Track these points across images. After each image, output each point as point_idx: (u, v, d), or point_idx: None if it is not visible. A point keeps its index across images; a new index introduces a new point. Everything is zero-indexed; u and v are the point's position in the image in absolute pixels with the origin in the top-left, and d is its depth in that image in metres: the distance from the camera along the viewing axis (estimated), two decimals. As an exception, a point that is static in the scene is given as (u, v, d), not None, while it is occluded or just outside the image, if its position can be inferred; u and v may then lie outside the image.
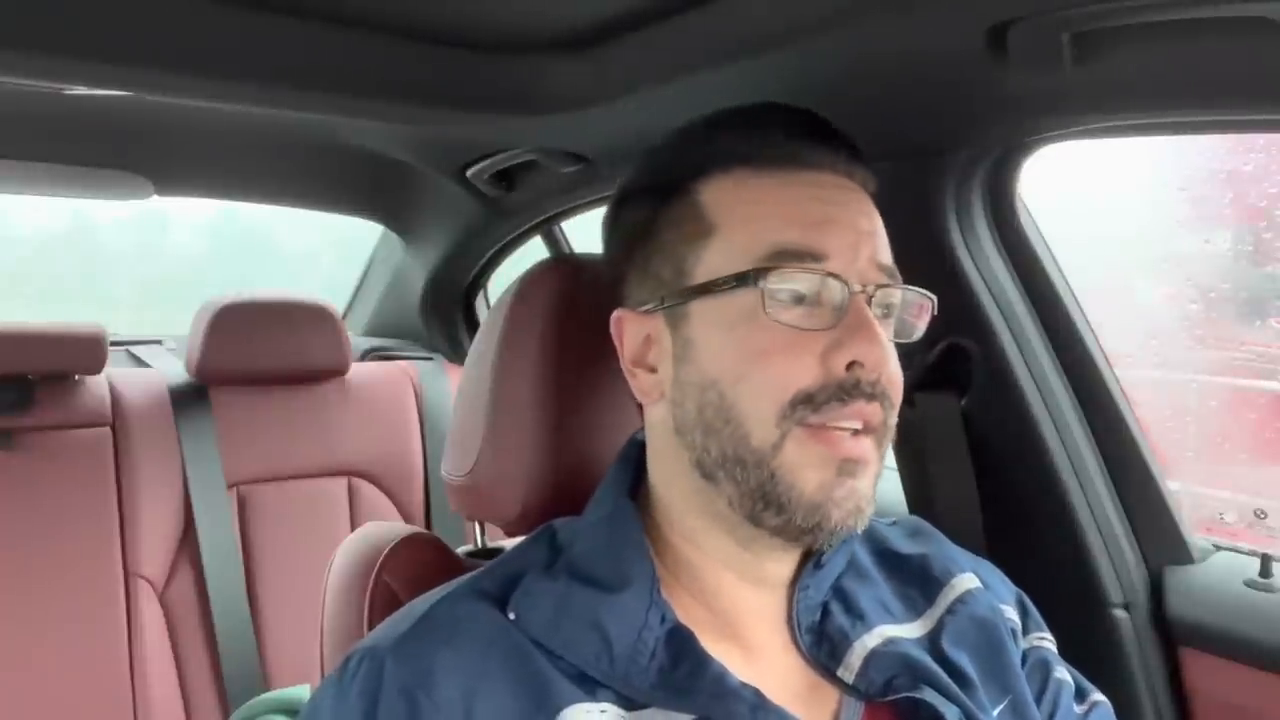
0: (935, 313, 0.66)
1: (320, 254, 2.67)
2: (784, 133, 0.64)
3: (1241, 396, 1.26)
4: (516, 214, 1.65)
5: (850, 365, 0.59)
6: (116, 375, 1.66)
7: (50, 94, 1.11)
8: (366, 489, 1.77)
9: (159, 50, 0.87)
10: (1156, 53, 0.74)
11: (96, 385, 1.62)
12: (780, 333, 0.59)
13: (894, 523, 0.77)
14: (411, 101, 1.03)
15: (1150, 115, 0.85)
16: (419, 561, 0.79)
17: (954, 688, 0.63)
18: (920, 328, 0.66)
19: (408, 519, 1.78)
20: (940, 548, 0.75)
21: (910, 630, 0.68)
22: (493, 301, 0.87)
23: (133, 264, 2.58)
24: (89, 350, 1.56)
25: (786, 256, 0.60)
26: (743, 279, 0.60)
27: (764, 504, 0.59)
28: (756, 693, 0.57)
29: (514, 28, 0.97)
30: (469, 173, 1.50)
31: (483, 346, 0.78)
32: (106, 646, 1.51)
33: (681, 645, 0.59)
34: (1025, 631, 0.73)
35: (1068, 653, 0.75)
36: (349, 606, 0.78)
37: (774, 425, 0.58)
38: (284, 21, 0.91)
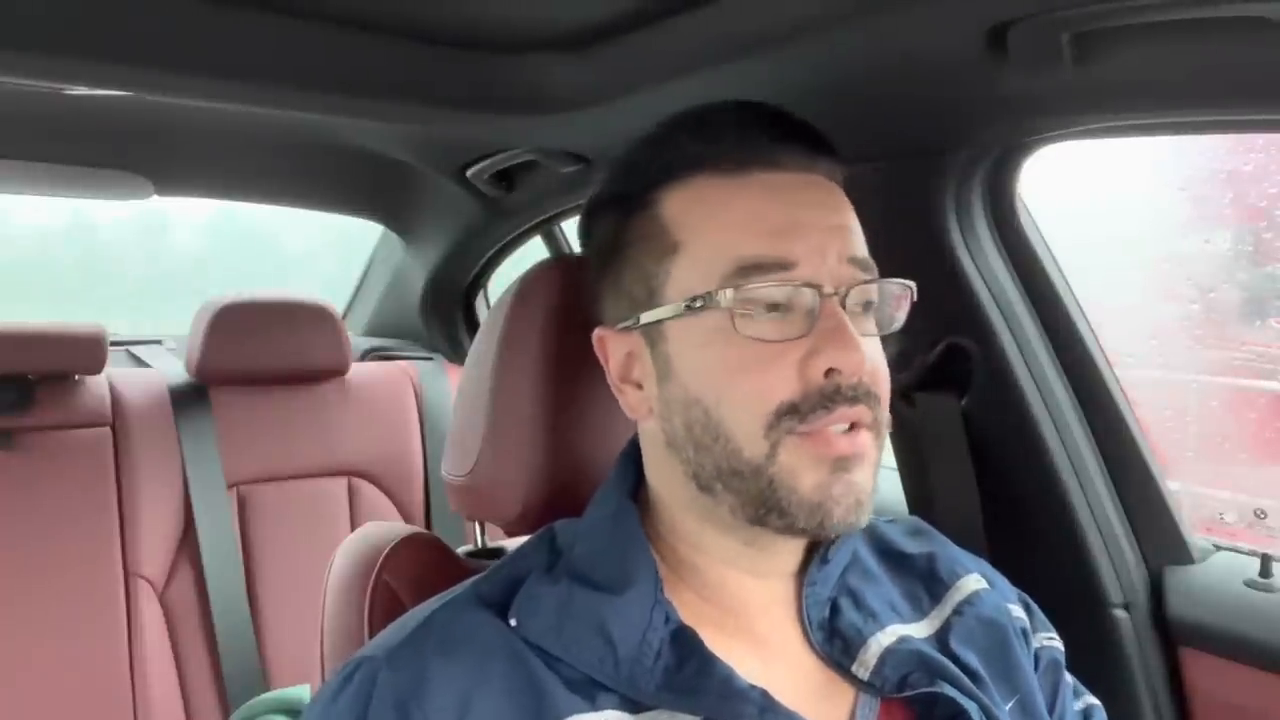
0: (915, 299, 0.65)
1: (320, 254, 2.67)
2: (738, 133, 0.63)
3: (1241, 396, 1.26)
4: (516, 214, 1.65)
5: (829, 372, 0.58)
6: (116, 375, 1.66)
7: (50, 94, 1.11)
8: (366, 489, 1.77)
9: (159, 50, 0.87)
10: (1156, 53, 0.74)
11: (96, 385, 1.62)
12: (754, 347, 0.58)
13: (892, 521, 0.77)
14: (411, 101, 1.03)
15: (1150, 115, 0.85)
16: (419, 561, 0.79)
17: (969, 684, 0.63)
18: (900, 318, 0.65)
19: (408, 519, 1.78)
20: (944, 548, 0.74)
21: (918, 630, 0.68)
22: (493, 301, 0.87)
23: (133, 264, 2.58)
24: (89, 350, 1.56)
25: (752, 270, 0.59)
26: (710, 297, 0.59)
27: (766, 509, 0.59)
28: (764, 694, 0.57)
29: (514, 28, 0.97)
30: (469, 173, 1.50)
31: (483, 346, 0.78)
32: (106, 646, 1.51)
33: (687, 645, 0.59)
34: (1034, 631, 0.73)
35: (1068, 653, 0.75)
36: (349, 606, 0.78)
37: (762, 438, 0.58)
38: (284, 21, 0.91)
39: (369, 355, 2.05)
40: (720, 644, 0.60)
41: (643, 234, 0.64)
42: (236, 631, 1.57)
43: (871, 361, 0.60)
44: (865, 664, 0.63)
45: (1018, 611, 0.73)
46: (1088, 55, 0.75)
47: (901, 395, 1.10)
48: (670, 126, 0.66)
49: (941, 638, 0.67)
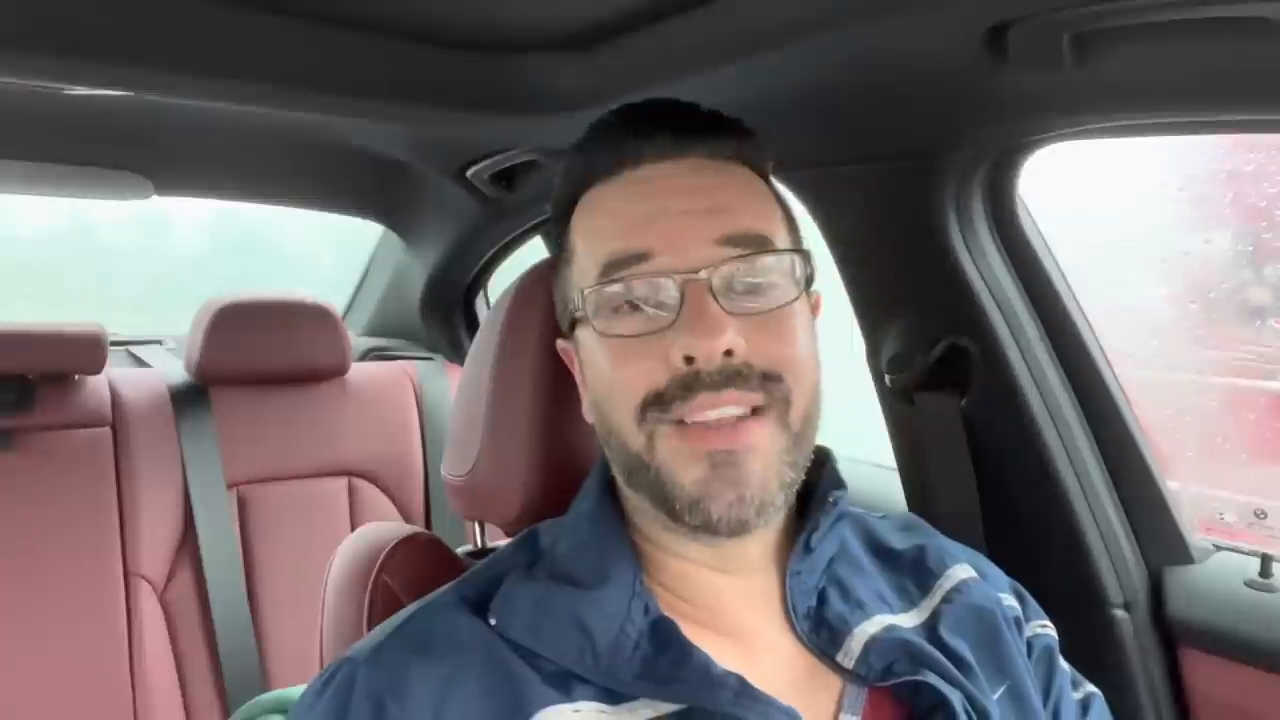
0: (811, 268, 0.64)
1: (320, 254, 2.67)
2: (608, 137, 0.65)
3: (1241, 396, 1.26)
4: (516, 214, 1.65)
5: (689, 359, 0.58)
6: (116, 375, 1.66)
7: (50, 94, 1.11)
8: (366, 489, 1.77)
9: (159, 50, 0.87)
10: (1156, 53, 0.74)
11: (96, 385, 1.62)
12: (623, 343, 0.60)
13: (884, 517, 0.77)
14: (411, 101, 1.03)
15: (1150, 115, 0.85)
16: (419, 561, 0.79)
17: (955, 672, 0.63)
18: (794, 289, 0.62)
19: (408, 519, 1.78)
20: (933, 539, 0.75)
21: (907, 620, 0.68)
22: (493, 301, 0.87)
23: (133, 264, 2.58)
24: (89, 350, 1.56)
25: (614, 266, 0.60)
26: (580, 301, 0.62)
27: (662, 503, 0.60)
28: (740, 679, 0.57)
29: (513, 28, 0.97)
30: (469, 173, 1.50)
31: (482, 346, 0.78)
32: (106, 646, 1.51)
33: (665, 635, 0.59)
34: (1026, 619, 0.73)
35: (1068, 652, 0.75)
36: (349, 606, 0.78)
37: (637, 429, 0.60)
38: (284, 21, 0.91)
39: (369, 355, 2.05)
40: (701, 637, 0.60)
41: (563, 248, 0.68)
42: (236, 631, 1.57)
43: (757, 341, 0.59)
44: (850, 653, 0.63)
45: (1009, 600, 0.73)
46: (1088, 55, 0.75)
47: (901, 395, 1.10)
48: (586, 137, 0.68)
49: (930, 626, 0.67)
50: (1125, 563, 1.01)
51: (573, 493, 0.71)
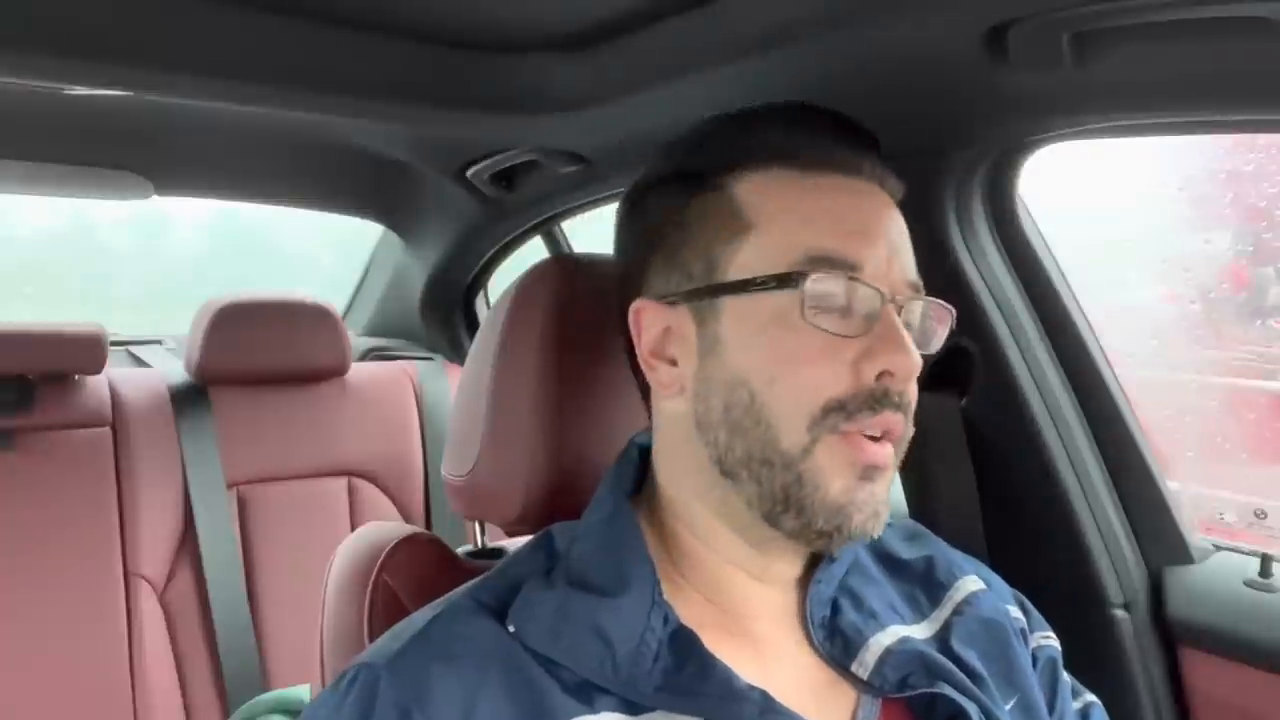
0: (955, 326, 0.67)
1: (320, 254, 2.67)
2: (820, 133, 0.64)
3: (1241, 396, 1.26)
4: (516, 214, 1.65)
5: (881, 375, 0.59)
6: (116, 375, 1.66)
7: (50, 94, 1.11)
8: (366, 489, 1.77)
9: (159, 50, 0.87)
10: (1156, 53, 0.74)
11: (96, 385, 1.62)
12: (814, 338, 0.59)
13: (888, 525, 0.77)
14: (411, 101, 1.03)
15: (1150, 115, 0.85)
16: (419, 561, 0.79)
17: (969, 684, 0.63)
18: (941, 335, 0.66)
19: (408, 519, 1.78)
20: (940, 550, 0.75)
21: (919, 631, 0.68)
22: (493, 301, 0.87)
23: (133, 264, 2.58)
24: (89, 350, 1.56)
25: (823, 263, 0.59)
26: (783, 281, 0.59)
27: (784, 506, 0.59)
28: (764, 694, 0.57)
29: (514, 28, 0.97)
30: (469, 173, 1.50)
31: (482, 346, 0.78)
32: (106, 646, 1.51)
33: (686, 646, 0.59)
34: (1031, 630, 0.73)
35: (1068, 653, 0.75)
36: (349, 606, 0.78)
37: (805, 431, 0.58)
38: (284, 21, 0.91)
39: (369, 355, 2.05)
40: (720, 645, 0.60)
41: (709, 212, 0.63)
42: (236, 631, 1.57)
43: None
44: (865, 664, 0.63)
45: (1015, 612, 0.73)
46: (1088, 55, 0.75)
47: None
48: (745, 114, 0.67)
49: (942, 639, 0.67)
50: (1125, 563, 1.01)
51: (573, 492, 0.71)
